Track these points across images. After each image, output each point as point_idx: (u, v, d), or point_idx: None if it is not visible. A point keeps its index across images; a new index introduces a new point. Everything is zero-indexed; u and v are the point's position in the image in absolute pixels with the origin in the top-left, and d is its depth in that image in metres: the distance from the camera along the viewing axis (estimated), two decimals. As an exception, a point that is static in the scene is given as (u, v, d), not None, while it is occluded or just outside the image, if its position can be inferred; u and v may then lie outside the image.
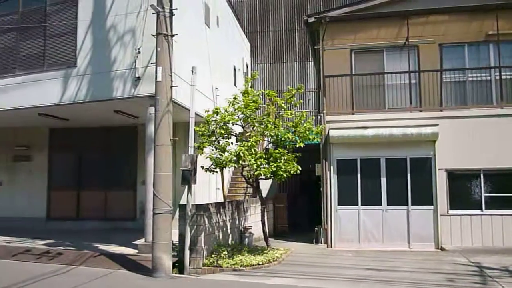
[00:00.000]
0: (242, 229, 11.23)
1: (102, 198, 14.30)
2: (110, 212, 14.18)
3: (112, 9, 10.37)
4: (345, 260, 9.84)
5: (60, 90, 10.74)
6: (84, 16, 10.68)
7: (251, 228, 11.29)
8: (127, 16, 10.23)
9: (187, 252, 8.72)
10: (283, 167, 9.43)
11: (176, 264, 8.81)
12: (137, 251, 9.84)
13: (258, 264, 8.97)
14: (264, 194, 11.45)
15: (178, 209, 9.24)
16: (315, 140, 11.42)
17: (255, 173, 9.41)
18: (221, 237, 10.09)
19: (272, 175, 9.69)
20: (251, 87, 10.93)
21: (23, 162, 14.87)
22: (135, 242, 10.47)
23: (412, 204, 11.29)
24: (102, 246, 10.56)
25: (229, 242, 10.48)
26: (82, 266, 9.09)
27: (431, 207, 11.23)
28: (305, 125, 10.02)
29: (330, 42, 12.29)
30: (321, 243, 11.76)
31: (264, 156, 9.45)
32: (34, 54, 11.31)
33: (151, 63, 9.43)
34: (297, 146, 9.86)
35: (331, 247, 11.48)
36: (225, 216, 10.41)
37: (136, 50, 9.97)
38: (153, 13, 8.65)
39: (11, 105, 11.49)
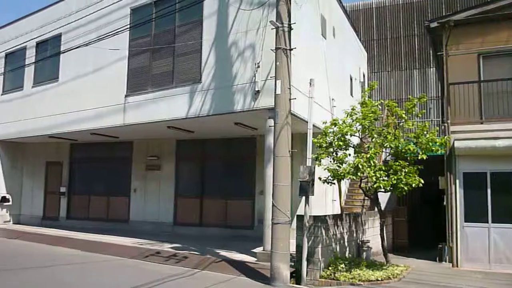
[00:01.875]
0: (360, 243, 10.98)
1: (222, 206, 14.97)
2: (229, 220, 14.79)
3: (234, 27, 10.93)
4: (473, 281, 9.09)
5: (186, 104, 11.56)
6: (208, 35, 11.40)
7: (369, 242, 11.00)
8: (247, 33, 10.70)
9: (304, 263, 8.77)
10: (404, 180, 9.05)
11: (293, 274, 8.89)
12: (255, 259, 10.15)
13: (377, 279, 8.69)
14: (382, 207, 11.06)
15: (295, 220, 9.34)
16: (439, 151, 10.78)
17: (374, 186, 9.16)
18: (338, 249, 9.97)
19: (391, 188, 9.37)
20: (368, 97, 10.70)
21: (154, 170, 16.21)
22: (253, 250, 10.81)
23: (554, 224, 10.08)
24: (222, 252, 11.07)
25: (346, 255, 10.31)
26: (205, 270, 9.61)
27: None
28: (427, 136, 9.51)
29: (455, 47, 11.54)
30: (445, 261, 11.02)
31: (383, 168, 9.16)
32: (164, 72, 12.32)
33: (270, 77, 9.73)
34: (419, 158, 9.41)
35: (457, 266, 10.68)
36: (342, 228, 10.28)
37: (255, 64, 10.38)
38: (272, 29, 8.94)
39: (144, 119, 12.63)
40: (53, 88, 15.56)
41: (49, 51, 15.81)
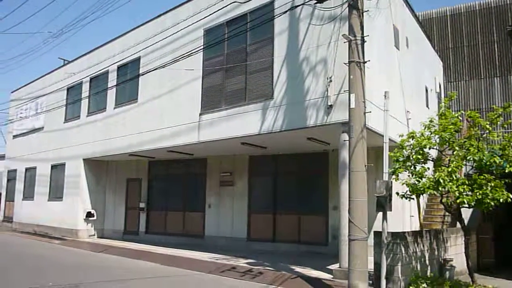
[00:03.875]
0: (442, 261, 10.43)
1: (295, 222, 14.86)
2: (302, 236, 14.63)
3: (305, 42, 10.98)
4: None
5: (259, 121, 11.72)
6: (279, 52, 11.53)
7: (452, 261, 10.42)
8: (318, 48, 10.70)
9: (383, 282, 8.48)
10: (490, 194, 8.50)
11: (372, 293, 8.64)
12: (331, 276, 9.96)
13: (464, 301, 8.20)
14: (465, 223, 10.45)
15: (372, 236, 9.08)
16: (528, 164, 10.01)
17: (457, 201, 8.68)
18: (418, 268, 9.54)
19: (476, 203, 8.83)
20: (447, 108, 10.24)
21: (227, 186, 16.49)
22: (329, 267, 10.63)
23: None
24: (297, 269, 10.98)
25: (428, 274, 9.82)
26: (281, 286, 9.56)
27: None
28: (515, 147, 8.89)
29: (542, 52, 10.78)
30: (540, 283, 10.18)
31: (467, 182, 8.67)
32: (237, 89, 12.60)
33: (344, 91, 9.64)
34: (506, 171, 8.80)
35: (554, 289, 9.83)
36: (423, 245, 9.84)
37: (327, 79, 10.33)
38: (344, 42, 8.87)
39: (218, 136, 12.96)
40: (133, 108, 16.45)
41: (129, 74, 16.77)
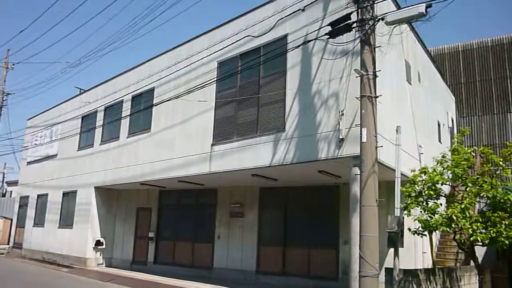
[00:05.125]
0: (456, 300, 10.17)
1: (305, 255, 14.60)
2: (312, 270, 14.33)
3: (317, 76, 11.08)
4: None
5: (270, 153, 11.73)
6: (292, 85, 11.64)
7: (466, 300, 10.16)
8: (330, 81, 10.79)
9: (395, 320, 8.27)
10: (504, 232, 8.34)
11: (384, 332, 8.40)
12: (342, 313, 9.74)
13: None
14: (479, 261, 10.22)
15: (384, 273, 8.90)
16: (543, 202, 9.83)
17: (471, 239, 8.53)
18: (431, 307, 9.31)
19: (490, 242, 8.65)
20: (459, 143, 10.20)
21: (237, 218, 16.34)
22: (339, 303, 10.41)
23: None
24: (307, 304, 10.76)
25: (441, 313, 9.58)
26: (290, 322, 9.37)
27: None
28: (529, 185, 8.78)
29: (556, 89, 10.76)
30: (559, 326, 9.82)
31: (480, 219, 8.54)
32: (249, 121, 12.66)
33: (355, 125, 9.65)
34: (521, 209, 8.65)
35: None
36: (436, 284, 9.61)
37: (339, 112, 10.37)
38: (356, 77, 8.94)
39: (229, 167, 12.95)
40: (146, 138, 16.61)
41: (143, 104, 17.00)
